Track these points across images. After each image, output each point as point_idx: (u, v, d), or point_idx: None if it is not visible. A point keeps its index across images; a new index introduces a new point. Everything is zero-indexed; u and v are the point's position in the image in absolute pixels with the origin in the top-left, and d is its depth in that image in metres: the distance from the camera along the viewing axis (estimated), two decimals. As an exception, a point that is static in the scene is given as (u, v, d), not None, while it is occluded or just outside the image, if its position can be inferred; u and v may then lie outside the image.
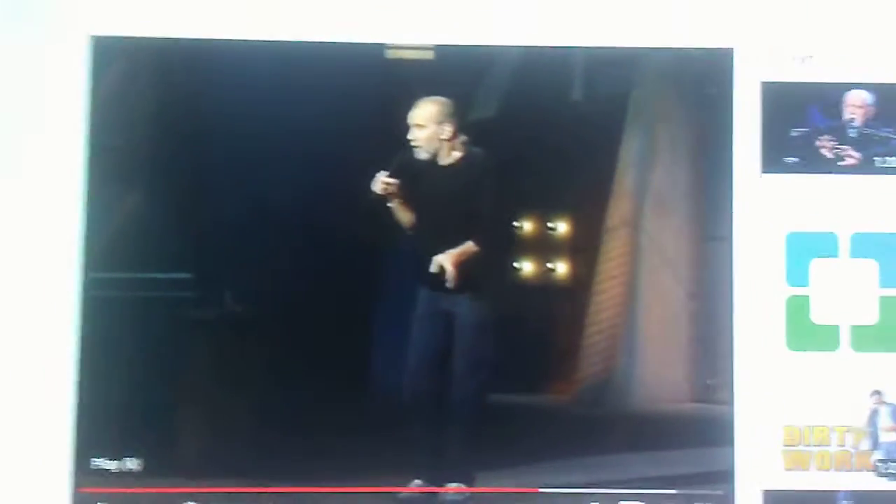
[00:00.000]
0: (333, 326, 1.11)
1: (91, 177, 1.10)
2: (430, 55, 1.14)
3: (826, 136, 1.13)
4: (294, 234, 1.13)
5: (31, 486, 1.08)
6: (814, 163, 1.12)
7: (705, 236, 1.14)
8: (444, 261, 1.14)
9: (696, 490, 1.10)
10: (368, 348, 1.12)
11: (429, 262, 1.14)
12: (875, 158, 1.13)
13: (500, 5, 1.14)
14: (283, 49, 1.12)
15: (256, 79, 1.13)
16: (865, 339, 1.11)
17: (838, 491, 1.10)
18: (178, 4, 1.13)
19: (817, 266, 1.12)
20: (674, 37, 1.14)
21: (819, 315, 1.11)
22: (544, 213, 1.16)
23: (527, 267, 1.16)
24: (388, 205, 1.14)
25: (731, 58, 1.13)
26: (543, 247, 1.15)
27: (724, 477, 1.10)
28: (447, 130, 1.15)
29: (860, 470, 1.10)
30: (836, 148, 1.13)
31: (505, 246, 1.16)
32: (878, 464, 1.10)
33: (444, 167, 1.16)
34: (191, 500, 1.08)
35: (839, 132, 1.13)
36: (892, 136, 1.13)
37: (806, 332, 1.11)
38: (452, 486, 1.11)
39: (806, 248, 1.12)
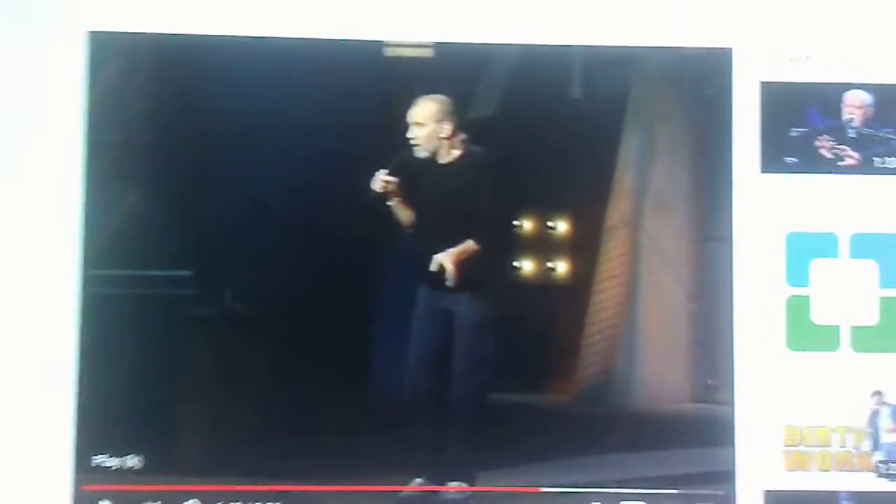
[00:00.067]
0: (333, 325, 1.11)
1: (90, 173, 1.10)
2: (429, 53, 1.14)
3: (825, 137, 1.13)
4: (294, 232, 1.12)
5: (32, 484, 1.07)
6: (813, 163, 1.13)
7: (705, 236, 1.14)
8: (444, 259, 1.13)
9: (697, 490, 1.10)
10: (368, 347, 1.12)
11: (429, 260, 1.13)
12: (874, 159, 1.13)
13: (499, 3, 1.13)
14: (281, 46, 1.12)
15: (255, 76, 1.12)
16: (866, 339, 1.11)
17: (839, 491, 1.10)
18: (176, 0, 1.12)
19: (817, 266, 1.12)
20: (673, 36, 1.14)
21: (819, 315, 1.11)
22: (544, 212, 1.15)
23: (527, 266, 1.15)
24: (388, 203, 1.14)
25: (731, 58, 1.13)
26: (543, 246, 1.15)
27: (725, 477, 1.09)
28: (446, 129, 1.15)
29: (861, 470, 1.10)
30: (836, 148, 1.13)
31: (505, 245, 1.16)
32: (879, 464, 1.10)
33: (443, 165, 1.16)
34: (192, 498, 1.08)
35: (838, 132, 1.13)
36: (891, 136, 1.13)
37: (806, 333, 1.11)
38: (453, 485, 1.11)
39: (806, 249, 1.12)
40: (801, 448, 1.10)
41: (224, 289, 1.11)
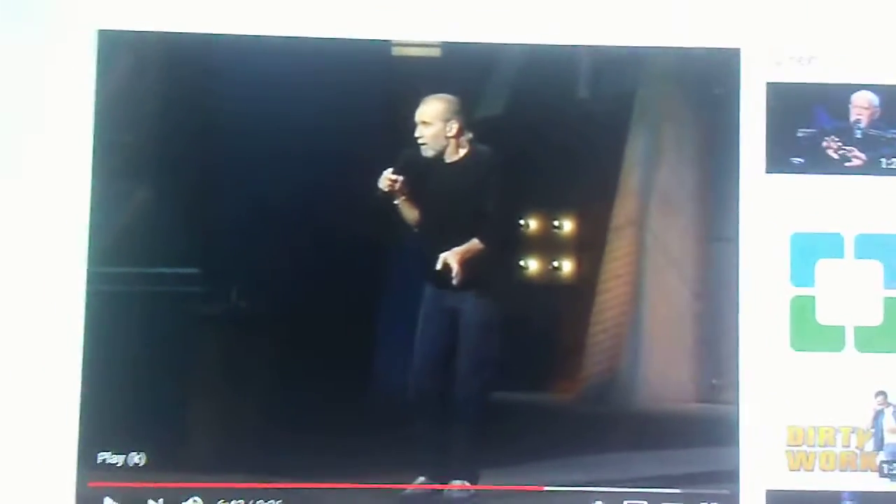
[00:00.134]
0: (339, 323, 1.11)
1: (97, 171, 1.10)
2: (436, 52, 1.14)
3: (832, 137, 1.13)
4: (300, 231, 1.13)
5: (37, 480, 1.08)
6: (820, 163, 1.12)
7: (711, 236, 1.14)
8: (450, 258, 1.14)
9: (701, 490, 1.10)
10: (373, 345, 1.12)
11: (434, 259, 1.14)
12: (881, 159, 1.13)
13: (506, 3, 1.13)
14: (289, 45, 1.12)
15: (263, 75, 1.13)
16: (870, 339, 1.11)
17: (842, 492, 1.10)
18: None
19: (822, 267, 1.12)
20: (680, 37, 1.14)
21: (824, 315, 1.11)
22: (550, 211, 1.16)
23: (532, 265, 1.15)
24: (394, 202, 1.14)
25: (738, 58, 1.13)
26: (549, 245, 1.15)
27: (729, 477, 1.10)
28: (453, 128, 1.15)
29: (864, 471, 1.10)
30: (842, 149, 1.13)
31: (510, 244, 1.16)
32: (883, 465, 1.10)
33: (450, 164, 1.16)
34: (196, 496, 1.08)
35: (845, 133, 1.13)
36: (898, 137, 1.13)
37: (811, 333, 1.11)
38: (457, 484, 1.11)
39: (811, 249, 1.12)
40: (805, 448, 1.10)
41: (230, 287, 1.12)
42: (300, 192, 1.12)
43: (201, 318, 1.11)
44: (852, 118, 1.13)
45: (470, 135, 1.16)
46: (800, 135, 1.12)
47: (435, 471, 1.11)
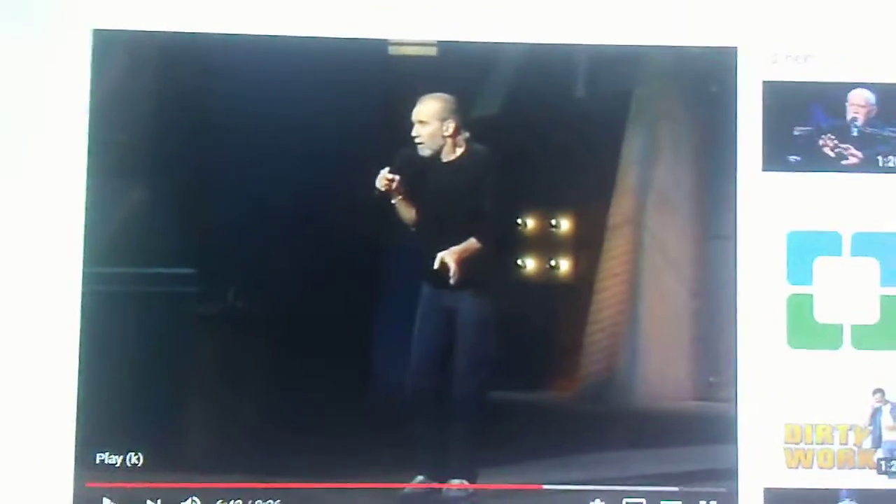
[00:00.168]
0: (336, 323, 1.11)
1: (93, 171, 1.10)
2: (433, 51, 1.14)
3: (829, 135, 1.13)
4: (297, 231, 1.12)
5: (35, 481, 1.08)
6: (816, 161, 1.13)
7: (708, 234, 1.14)
8: (447, 257, 1.13)
9: (699, 488, 1.10)
10: (371, 345, 1.12)
11: (432, 258, 1.14)
12: (878, 157, 1.13)
13: (503, 2, 1.13)
14: (285, 44, 1.12)
15: (259, 74, 1.13)
16: (867, 337, 1.11)
17: (840, 489, 1.10)
18: (180, -1, 1.13)
19: (819, 265, 1.12)
20: (677, 35, 1.14)
21: (821, 313, 1.11)
22: (547, 210, 1.16)
23: (529, 264, 1.15)
24: (391, 201, 1.14)
25: (735, 56, 1.13)
26: (546, 244, 1.15)
27: (727, 475, 1.10)
28: (450, 127, 1.15)
29: (862, 468, 1.10)
30: (839, 147, 1.13)
31: (508, 243, 1.16)
32: (881, 462, 1.10)
33: (446, 164, 1.16)
34: (194, 496, 1.08)
35: (842, 131, 1.13)
36: (894, 135, 1.13)
37: (808, 331, 1.11)
38: (455, 483, 1.11)
39: (808, 247, 1.12)
40: (803, 445, 1.10)
41: (226, 287, 1.11)
42: (297, 192, 1.12)
43: (198, 319, 1.11)
44: (849, 116, 1.13)
45: (467, 134, 1.16)
46: (796, 133, 1.13)
47: (433, 470, 1.11)
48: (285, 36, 1.12)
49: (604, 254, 1.16)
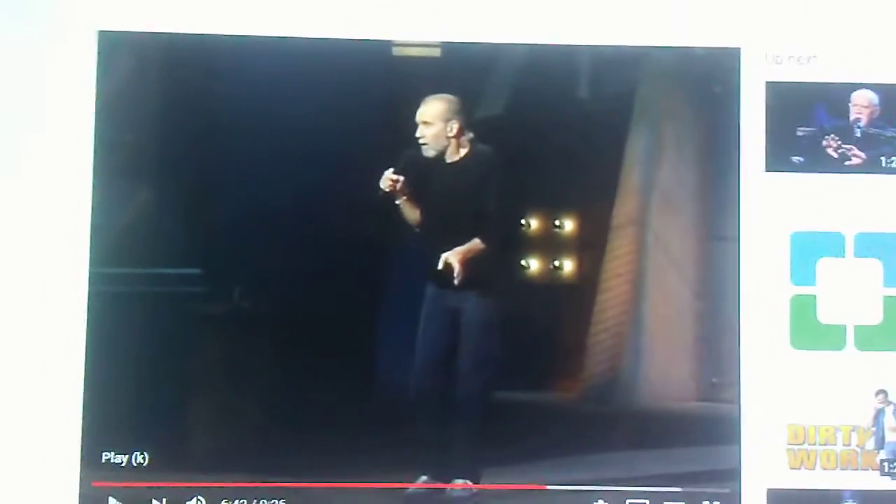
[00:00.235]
0: (340, 323, 1.11)
1: (98, 172, 1.10)
2: (436, 52, 1.14)
3: (832, 136, 1.13)
4: (301, 231, 1.13)
5: (41, 480, 1.08)
6: (820, 162, 1.13)
7: (711, 235, 1.14)
8: (451, 258, 1.14)
9: (702, 488, 1.10)
10: (375, 345, 1.12)
11: (436, 259, 1.14)
12: (881, 158, 1.13)
13: (506, 3, 1.14)
14: (289, 45, 1.13)
15: (263, 75, 1.13)
16: (870, 338, 1.11)
17: (843, 490, 1.10)
18: (185, 0, 1.12)
19: (822, 265, 1.12)
20: (680, 36, 1.14)
21: (824, 314, 1.11)
22: (551, 210, 1.16)
23: (533, 265, 1.16)
24: (396, 202, 1.14)
25: (738, 57, 1.13)
26: (550, 244, 1.15)
27: (730, 475, 1.10)
28: (454, 128, 1.15)
29: (865, 469, 1.10)
30: (842, 147, 1.13)
31: (511, 243, 1.16)
32: (883, 463, 1.10)
33: (450, 164, 1.16)
34: (199, 495, 1.08)
35: (845, 132, 1.13)
36: (898, 136, 1.14)
37: (811, 332, 1.11)
38: (459, 483, 1.11)
39: (811, 248, 1.12)
40: (806, 446, 1.10)
41: (232, 287, 1.12)
42: (301, 193, 1.12)
43: (203, 319, 1.11)
44: (852, 117, 1.13)
45: (471, 135, 1.16)
46: (800, 134, 1.13)
47: (437, 470, 1.11)
48: (289, 37, 1.13)
49: (607, 254, 1.16)
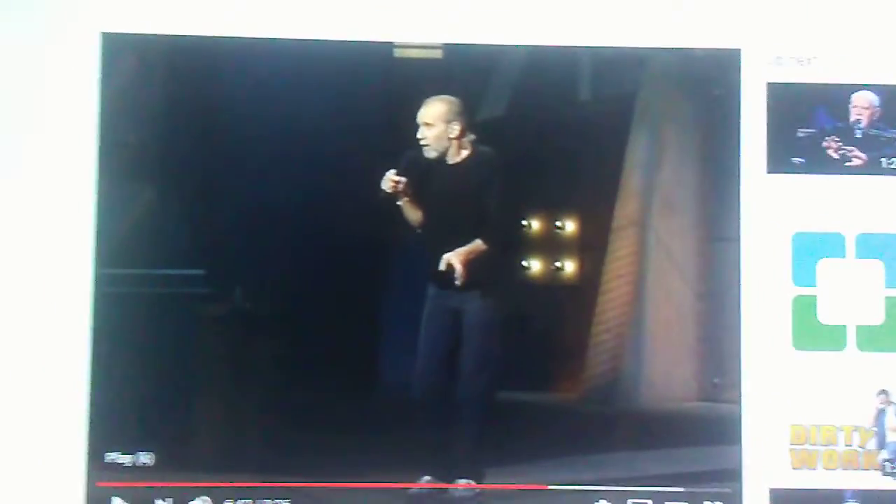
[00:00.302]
0: (343, 324, 1.12)
1: (102, 173, 1.11)
2: (438, 54, 1.14)
3: (832, 137, 1.13)
4: (304, 232, 1.13)
5: (46, 480, 1.08)
6: (820, 163, 1.13)
7: (712, 236, 1.15)
8: (453, 259, 1.14)
9: (704, 488, 1.10)
10: (377, 345, 1.13)
11: (437, 260, 1.14)
12: (881, 159, 1.13)
13: (507, 5, 1.14)
14: (292, 47, 1.13)
15: (266, 77, 1.13)
16: (872, 338, 1.11)
17: (845, 490, 1.10)
18: (188, 2, 1.13)
19: (824, 266, 1.12)
20: (681, 37, 1.14)
21: (826, 315, 1.11)
22: (552, 211, 1.16)
23: (535, 265, 1.16)
24: (397, 203, 1.14)
25: (739, 59, 1.14)
26: (551, 246, 1.16)
27: (732, 475, 1.10)
28: (455, 129, 1.16)
29: (867, 469, 1.10)
30: (843, 149, 1.13)
31: (513, 244, 1.16)
32: (885, 463, 1.10)
33: (452, 166, 1.17)
34: (204, 495, 1.08)
35: (846, 133, 1.13)
36: (898, 137, 1.14)
37: (813, 332, 1.11)
38: (462, 483, 1.11)
39: (812, 249, 1.12)
40: (807, 446, 1.10)
41: (235, 288, 1.12)
42: (304, 194, 1.13)
43: (208, 319, 1.12)
44: (852, 118, 1.13)
45: (472, 136, 1.16)
46: (800, 135, 1.13)
47: (440, 470, 1.11)
48: (291, 39, 1.13)
49: (609, 255, 1.16)
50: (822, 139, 1.13)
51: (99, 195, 1.10)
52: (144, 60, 1.13)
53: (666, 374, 1.15)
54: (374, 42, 1.14)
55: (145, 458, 1.09)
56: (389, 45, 1.14)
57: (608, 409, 1.14)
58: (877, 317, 1.12)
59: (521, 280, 1.16)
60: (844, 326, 1.12)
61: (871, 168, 1.13)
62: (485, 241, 1.15)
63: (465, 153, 1.17)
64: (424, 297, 1.14)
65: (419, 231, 1.15)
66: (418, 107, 1.15)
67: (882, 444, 1.11)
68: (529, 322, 1.15)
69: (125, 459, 1.09)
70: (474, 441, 1.12)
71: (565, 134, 1.15)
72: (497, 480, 1.11)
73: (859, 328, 1.12)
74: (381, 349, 1.13)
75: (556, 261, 1.16)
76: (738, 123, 1.13)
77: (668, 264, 1.15)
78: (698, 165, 1.16)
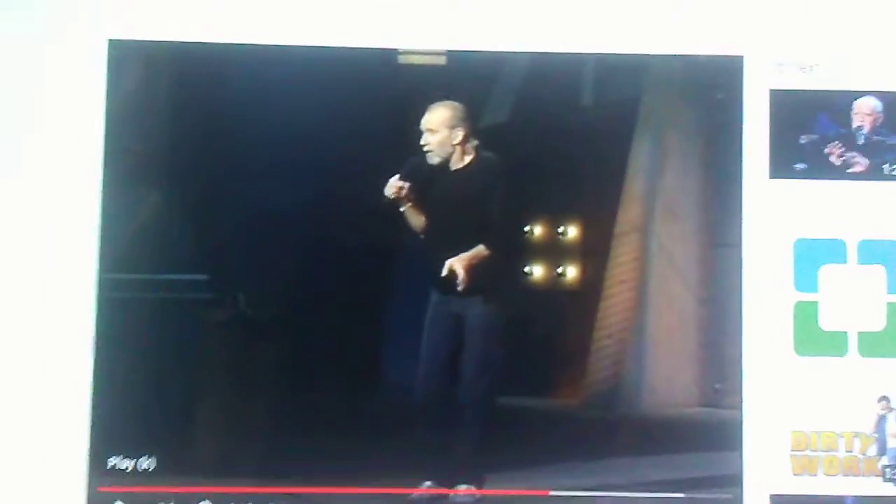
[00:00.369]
0: (345, 329, 1.12)
1: (108, 179, 1.11)
2: (442, 60, 1.15)
3: (834, 143, 1.13)
4: (307, 237, 1.13)
5: (48, 485, 1.09)
6: (822, 169, 1.13)
7: (714, 242, 1.15)
8: (456, 264, 1.14)
9: (705, 494, 1.10)
10: (380, 351, 1.13)
11: (440, 265, 1.14)
12: (883, 165, 1.14)
13: (511, 12, 1.14)
14: (296, 54, 1.13)
15: (271, 83, 1.14)
16: (873, 344, 1.12)
17: (845, 496, 1.10)
18: (194, 9, 1.13)
19: (825, 272, 1.12)
20: (684, 44, 1.14)
21: (827, 321, 1.12)
22: (554, 217, 1.16)
23: (537, 271, 1.16)
24: (401, 209, 1.15)
25: (741, 65, 1.14)
26: (553, 251, 1.16)
27: (733, 481, 1.10)
28: (459, 135, 1.16)
29: (867, 475, 1.10)
30: (845, 155, 1.13)
31: (515, 250, 1.17)
32: (885, 469, 1.11)
33: (455, 171, 1.17)
34: (205, 500, 1.09)
35: (848, 139, 1.13)
36: (900, 143, 1.14)
37: (814, 338, 1.11)
38: (462, 488, 1.12)
39: (814, 255, 1.12)
40: (808, 452, 1.10)
41: (238, 293, 1.13)
42: (307, 199, 1.13)
43: (210, 325, 1.12)
44: (855, 124, 1.13)
45: (475, 142, 1.17)
46: (802, 141, 1.13)
47: (441, 475, 1.12)
48: (296, 46, 1.13)
49: (611, 261, 1.16)
50: (825, 145, 1.13)
51: (104, 200, 1.11)
52: (151, 67, 1.14)
53: (667, 380, 1.15)
54: (378, 48, 1.14)
55: (147, 463, 1.10)
56: (394, 52, 1.15)
57: (609, 415, 1.14)
58: (878, 323, 1.12)
59: (524, 285, 1.16)
60: (846, 332, 1.12)
61: (873, 174, 1.13)
62: (487, 246, 1.15)
63: (468, 159, 1.17)
64: (427, 303, 1.15)
65: (422, 236, 1.16)
66: (422, 113, 1.15)
67: (883, 451, 1.11)
68: (531, 327, 1.15)
69: (127, 464, 1.09)
70: (475, 446, 1.12)
71: (568, 140, 1.15)
72: (498, 486, 1.11)
73: (861, 334, 1.12)
74: (383, 354, 1.13)
75: (559, 266, 1.16)
76: (741, 129, 1.13)
77: (670, 270, 1.15)
78: (700, 171, 1.16)
